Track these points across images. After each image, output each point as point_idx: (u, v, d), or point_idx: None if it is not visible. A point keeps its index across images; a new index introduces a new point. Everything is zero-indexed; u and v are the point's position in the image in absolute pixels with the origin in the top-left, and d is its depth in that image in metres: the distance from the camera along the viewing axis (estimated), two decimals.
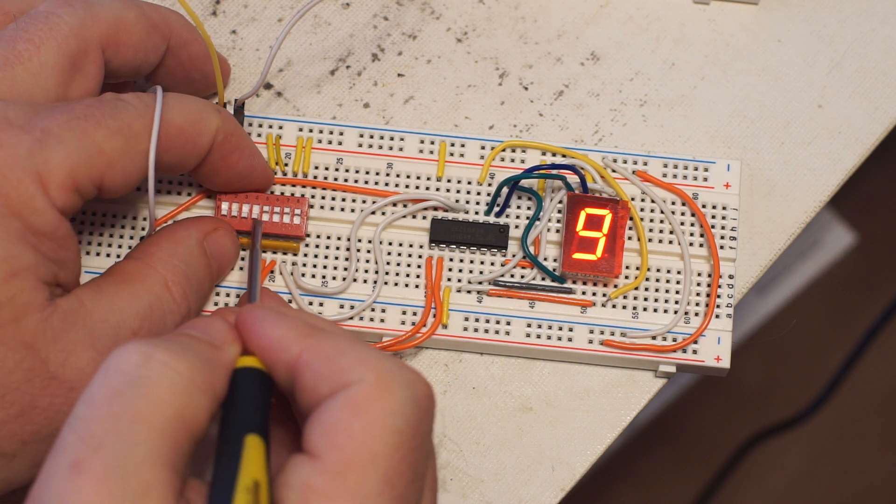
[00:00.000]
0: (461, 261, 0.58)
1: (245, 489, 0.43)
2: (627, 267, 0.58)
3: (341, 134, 0.59)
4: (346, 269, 0.58)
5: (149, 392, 0.43)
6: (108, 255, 0.57)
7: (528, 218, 0.58)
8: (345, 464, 0.43)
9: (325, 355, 0.45)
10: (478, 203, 0.59)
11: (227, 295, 0.57)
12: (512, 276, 0.58)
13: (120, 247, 0.57)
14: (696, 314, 0.58)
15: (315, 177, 0.59)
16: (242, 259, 0.57)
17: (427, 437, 0.45)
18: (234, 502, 0.42)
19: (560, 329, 0.57)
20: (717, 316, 0.58)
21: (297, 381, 0.46)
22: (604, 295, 0.58)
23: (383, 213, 0.58)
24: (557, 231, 0.58)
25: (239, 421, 0.45)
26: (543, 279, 0.58)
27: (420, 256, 0.58)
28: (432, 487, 0.46)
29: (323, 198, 0.58)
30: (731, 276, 0.58)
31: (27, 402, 0.49)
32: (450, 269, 0.58)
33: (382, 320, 0.57)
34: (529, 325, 0.57)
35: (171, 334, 0.47)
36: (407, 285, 0.58)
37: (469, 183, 0.59)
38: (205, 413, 0.44)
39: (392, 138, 0.59)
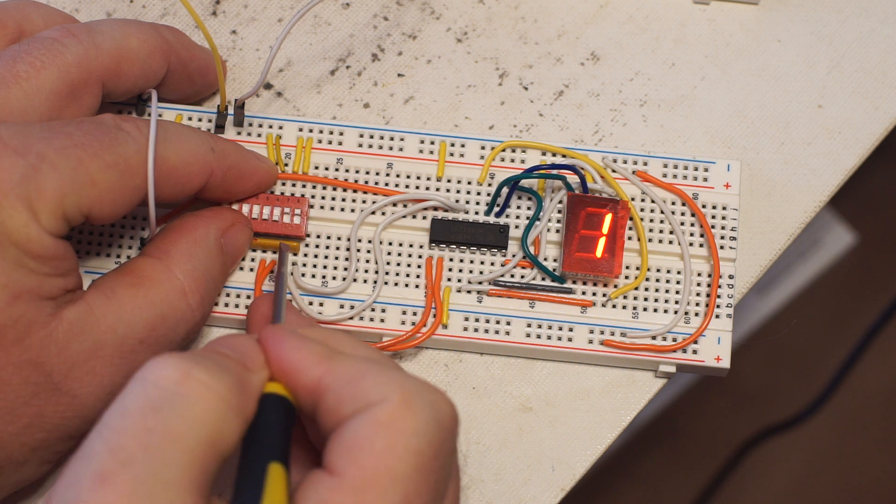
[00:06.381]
0: (461, 261, 0.58)
1: None
2: (627, 267, 0.58)
3: (341, 134, 0.59)
4: (346, 269, 0.58)
5: (185, 411, 0.43)
6: (107, 256, 0.57)
7: (528, 218, 0.58)
8: (365, 482, 0.43)
9: (346, 378, 0.45)
10: (478, 203, 0.59)
11: (228, 295, 0.57)
12: (512, 276, 0.58)
13: (120, 246, 0.57)
14: (696, 314, 0.58)
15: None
16: (248, 264, 0.57)
17: (449, 458, 0.45)
18: None
19: (560, 329, 0.57)
20: (717, 316, 0.58)
21: (319, 404, 0.45)
22: (604, 295, 0.58)
23: (383, 213, 0.58)
24: (557, 231, 0.58)
25: (263, 448, 0.45)
26: (543, 279, 0.58)
27: (420, 256, 0.58)
28: None
29: (323, 198, 0.58)
30: (731, 276, 0.58)
31: (35, 414, 0.49)
32: (450, 269, 0.58)
33: (382, 320, 0.57)
34: (529, 325, 0.57)
35: (205, 350, 0.46)
36: (407, 285, 0.58)
37: (469, 183, 0.59)
38: (235, 436, 0.44)
39: (392, 138, 0.59)
